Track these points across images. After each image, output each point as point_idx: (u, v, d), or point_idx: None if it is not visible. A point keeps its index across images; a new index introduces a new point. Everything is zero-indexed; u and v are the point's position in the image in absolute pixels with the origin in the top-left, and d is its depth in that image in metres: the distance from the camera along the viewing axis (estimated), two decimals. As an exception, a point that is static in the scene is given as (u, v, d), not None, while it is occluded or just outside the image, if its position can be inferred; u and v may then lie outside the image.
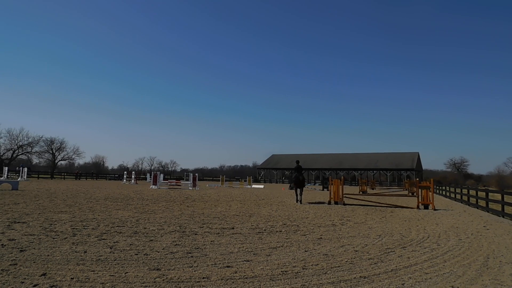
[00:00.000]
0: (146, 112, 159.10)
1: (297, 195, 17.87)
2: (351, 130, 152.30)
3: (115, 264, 4.96)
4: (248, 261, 5.42)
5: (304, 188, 19.52)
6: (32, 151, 71.07)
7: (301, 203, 17.46)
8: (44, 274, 4.37)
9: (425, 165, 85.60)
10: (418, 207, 16.31)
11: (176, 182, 35.32)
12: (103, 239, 6.75)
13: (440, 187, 37.73)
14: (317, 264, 5.35)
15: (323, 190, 36.38)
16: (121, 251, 5.80)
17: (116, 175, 66.70)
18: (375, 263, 5.48)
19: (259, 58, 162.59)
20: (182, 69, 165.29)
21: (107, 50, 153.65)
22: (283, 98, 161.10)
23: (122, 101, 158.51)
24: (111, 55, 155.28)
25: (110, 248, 5.98)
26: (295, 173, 18.39)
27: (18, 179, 35.54)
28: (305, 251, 6.29)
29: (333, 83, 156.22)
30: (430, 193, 16.42)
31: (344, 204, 16.90)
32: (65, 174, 59.78)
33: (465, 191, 22.76)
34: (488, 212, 15.87)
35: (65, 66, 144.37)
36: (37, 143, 71.24)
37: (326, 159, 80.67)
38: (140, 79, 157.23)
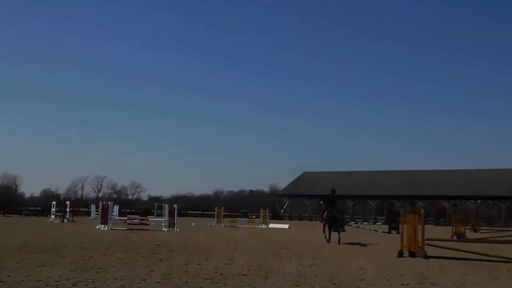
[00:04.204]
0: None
1: (330, 233, 15.25)
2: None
3: None
4: None
5: (344, 227, 16.97)
6: None
7: (339, 243, 14.56)
8: None
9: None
10: None
11: (140, 219, 27.27)
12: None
13: None
14: None
15: (389, 232, 27.65)
16: None
17: (38, 208, 46.21)
18: None
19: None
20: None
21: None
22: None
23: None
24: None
25: None
26: (325, 206, 15.80)
27: None
28: None
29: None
30: None
31: (427, 257, 11.13)
32: None
33: None
34: None
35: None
36: None
37: (392, 179, 55.00)
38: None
